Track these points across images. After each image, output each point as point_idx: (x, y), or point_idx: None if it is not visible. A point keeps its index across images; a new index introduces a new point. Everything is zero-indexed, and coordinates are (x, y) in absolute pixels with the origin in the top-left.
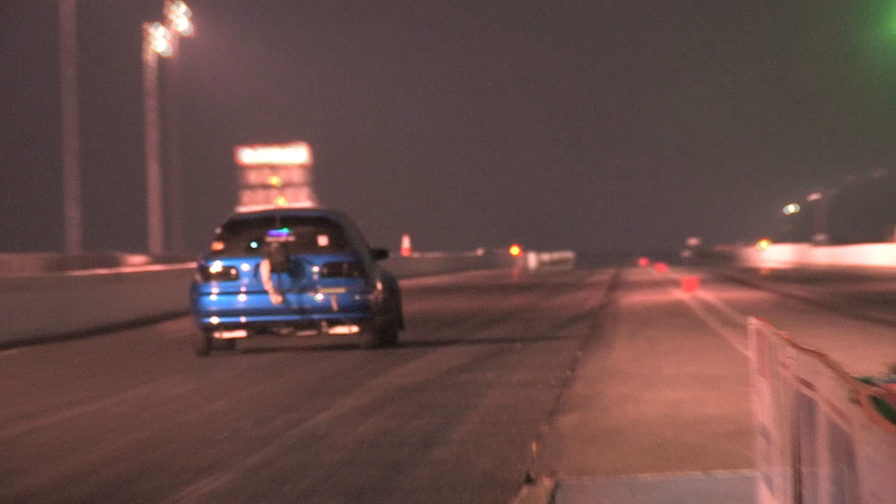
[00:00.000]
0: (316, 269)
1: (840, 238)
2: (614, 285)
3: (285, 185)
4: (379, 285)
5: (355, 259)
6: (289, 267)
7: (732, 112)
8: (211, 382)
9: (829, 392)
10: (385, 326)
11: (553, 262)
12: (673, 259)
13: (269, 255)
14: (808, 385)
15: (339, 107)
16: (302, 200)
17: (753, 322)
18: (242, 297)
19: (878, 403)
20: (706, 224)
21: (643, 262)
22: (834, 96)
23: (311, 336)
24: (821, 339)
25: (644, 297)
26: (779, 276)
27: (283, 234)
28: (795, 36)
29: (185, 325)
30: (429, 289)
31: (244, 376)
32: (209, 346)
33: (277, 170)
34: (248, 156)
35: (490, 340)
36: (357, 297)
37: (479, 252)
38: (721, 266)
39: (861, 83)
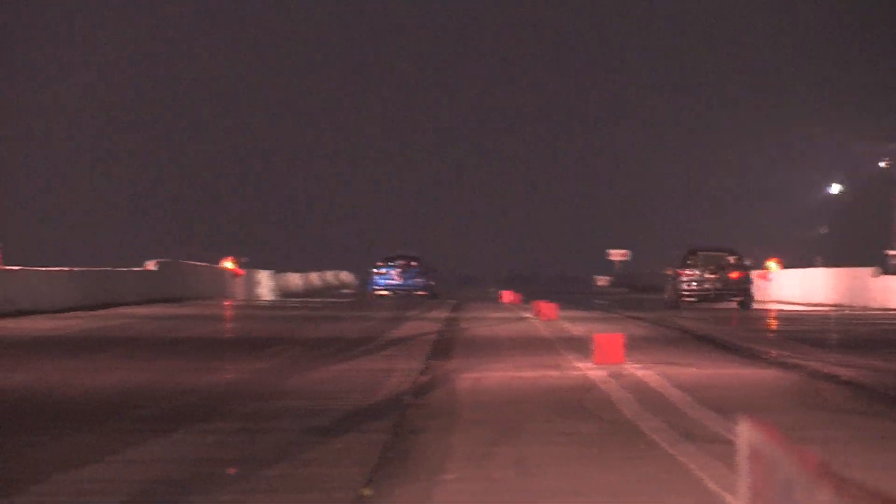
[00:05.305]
0: (413, 272)
1: None
2: (446, 344)
3: None
4: (433, 279)
5: (426, 271)
6: (405, 271)
7: None
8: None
9: None
10: (434, 293)
11: (312, 289)
12: (576, 290)
13: (399, 268)
14: None
15: None
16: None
17: (746, 429)
18: (388, 281)
19: None
20: (652, 227)
21: (506, 296)
22: None
23: (411, 295)
24: None
25: (508, 373)
26: (802, 335)
27: (403, 261)
28: None
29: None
30: (40, 342)
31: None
32: (375, 298)
33: None
34: None
35: (173, 459)
36: (426, 283)
37: (151, 266)
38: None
39: None
